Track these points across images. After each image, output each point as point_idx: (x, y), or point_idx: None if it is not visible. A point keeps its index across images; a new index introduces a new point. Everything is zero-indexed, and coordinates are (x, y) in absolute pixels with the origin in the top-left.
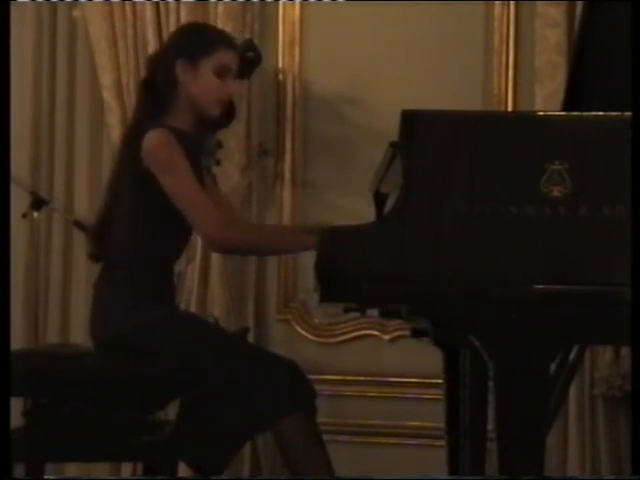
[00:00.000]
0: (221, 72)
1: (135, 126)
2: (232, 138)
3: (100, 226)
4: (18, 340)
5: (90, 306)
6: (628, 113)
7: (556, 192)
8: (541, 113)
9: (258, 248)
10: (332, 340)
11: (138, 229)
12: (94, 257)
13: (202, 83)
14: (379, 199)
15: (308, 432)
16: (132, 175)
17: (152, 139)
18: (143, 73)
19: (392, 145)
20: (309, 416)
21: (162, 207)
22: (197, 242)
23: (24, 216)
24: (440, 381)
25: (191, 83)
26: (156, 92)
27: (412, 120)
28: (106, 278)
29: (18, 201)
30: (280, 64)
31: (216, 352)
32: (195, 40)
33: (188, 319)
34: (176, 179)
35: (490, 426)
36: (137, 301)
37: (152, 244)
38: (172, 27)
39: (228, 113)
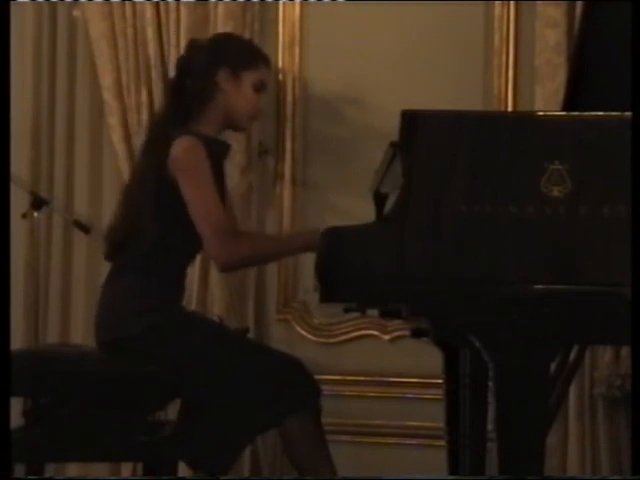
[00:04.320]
0: (258, 88)
1: (162, 130)
2: (232, 138)
3: (116, 228)
4: (18, 340)
5: (97, 305)
6: (628, 113)
7: (556, 192)
8: (541, 113)
9: (258, 261)
10: (332, 340)
11: (154, 233)
12: (109, 257)
13: (242, 95)
14: (379, 199)
15: (311, 431)
16: (154, 180)
17: (182, 147)
18: (143, 73)
19: (392, 145)
20: (313, 415)
21: (180, 213)
22: None
23: (24, 216)
24: (440, 381)
25: (231, 93)
26: (190, 97)
27: (412, 120)
28: (116, 279)
29: (18, 201)
30: (280, 64)
31: (220, 352)
32: (240, 52)
33: (192, 319)
34: (197, 191)
35: (490, 426)
36: (144, 305)
37: (167, 248)
38: (172, 27)
39: None
